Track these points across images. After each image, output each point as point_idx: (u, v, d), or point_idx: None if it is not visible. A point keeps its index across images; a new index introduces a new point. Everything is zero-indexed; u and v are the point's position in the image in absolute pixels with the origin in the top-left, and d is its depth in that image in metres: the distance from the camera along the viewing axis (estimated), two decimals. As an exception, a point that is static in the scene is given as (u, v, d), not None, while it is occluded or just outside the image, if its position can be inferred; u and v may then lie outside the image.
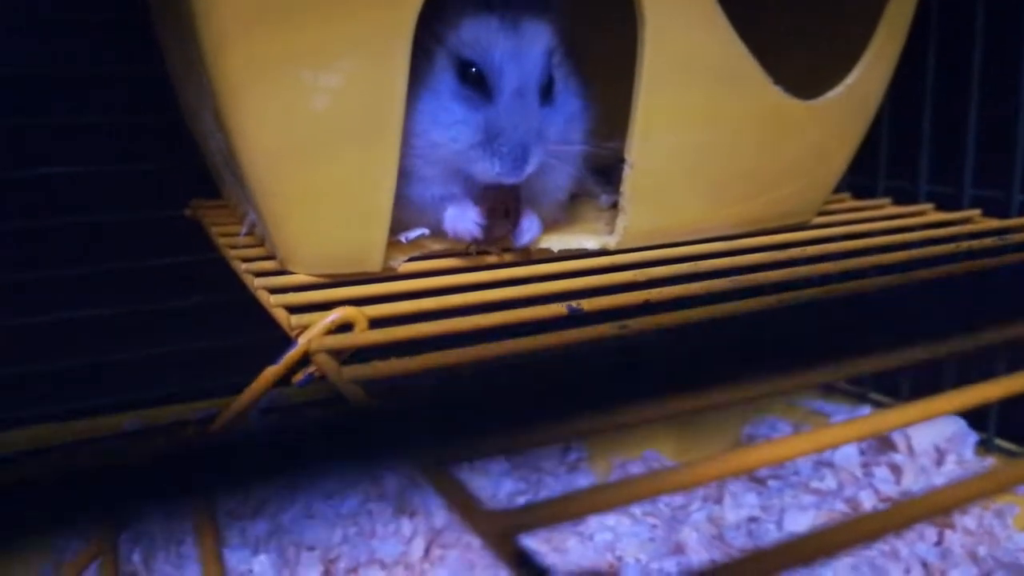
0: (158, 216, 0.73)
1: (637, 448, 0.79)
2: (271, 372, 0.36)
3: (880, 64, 0.56)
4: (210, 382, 0.78)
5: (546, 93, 0.48)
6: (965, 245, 0.51)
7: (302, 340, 0.36)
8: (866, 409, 0.76)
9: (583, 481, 0.75)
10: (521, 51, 0.46)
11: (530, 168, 0.46)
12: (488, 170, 0.46)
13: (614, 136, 0.51)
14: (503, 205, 0.48)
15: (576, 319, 0.41)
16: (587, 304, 0.41)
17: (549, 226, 0.52)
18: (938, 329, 0.31)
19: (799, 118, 0.53)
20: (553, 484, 0.73)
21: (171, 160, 0.73)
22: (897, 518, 0.23)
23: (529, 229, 0.50)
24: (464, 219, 0.48)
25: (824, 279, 0.48)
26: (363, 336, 0.37)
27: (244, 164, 0.43)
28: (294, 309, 0.41)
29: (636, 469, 0.79)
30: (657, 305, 0.43)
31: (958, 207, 0.66)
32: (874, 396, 0.77)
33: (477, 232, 0.48)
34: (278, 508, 0.66)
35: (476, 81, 0.46)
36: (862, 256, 0.49)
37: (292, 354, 0.36)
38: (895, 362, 0.33)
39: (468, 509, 0.23)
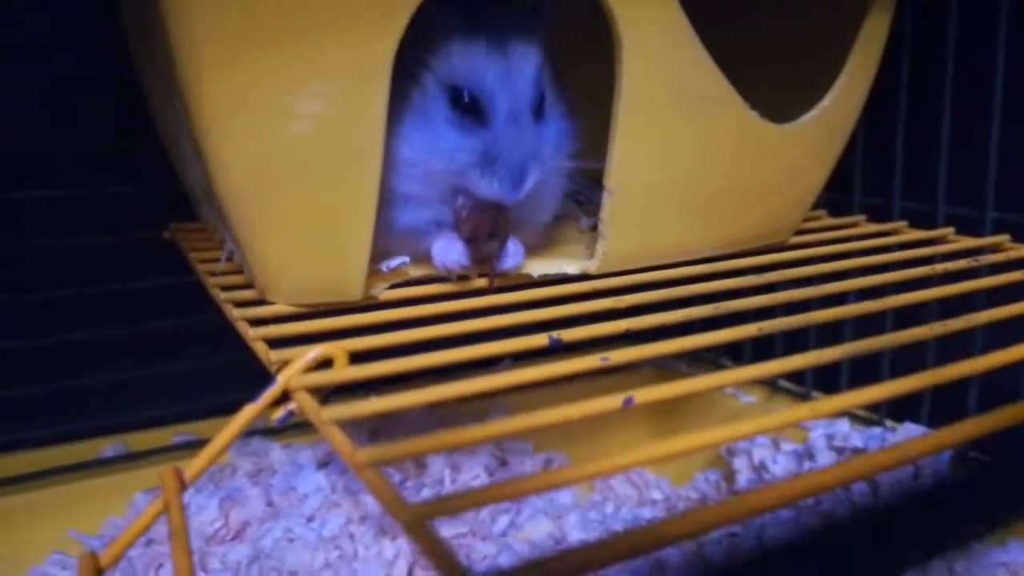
0: (137, 238, 0.72)
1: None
2: (250, 410, 0.36)
3: (855, 86, 0.57)
4: (190, 405, 0.78)
5: (538, 111, 0.48)
6: (940, 268, 0.51)
7: (281, 378, 0.35)
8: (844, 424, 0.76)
9: (564, 496, 0.75)
10: (512, 73, 0.47)
11: (528, 187, 0.47)
12: (487, 190, 0.46)
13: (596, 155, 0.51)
14: (487, 226, 0.48)
15: (558, 349, 0.41)
16: (568, 334, 0.41)
17: (530, 250, 0.52)
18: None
19: (775, 142, 0.53)
20: (536, 501, 0.73)
21: (150, 182, 0.72)
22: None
23: (513, 254, 0.50)
24: (452, 251, 0.49)
25: (803, 303, 0.48)
26: (343, 373, 0.36)
27: (221, 193, 0.43)
28: (274, 342, 0.41)
29: (617, 482, 0.79)
30: (639, 333, 0.43)
31: (932, 224, 0.67)
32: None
33: (466, 262, 0.49)
34: (258, 532, 0.65)
35: (470, 107, 0.47)
36: (839, 280, 0.50)
37: (271, 392, 0.36)
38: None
39: (389, 499, 0.24)
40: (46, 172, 0.72)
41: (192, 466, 0.35)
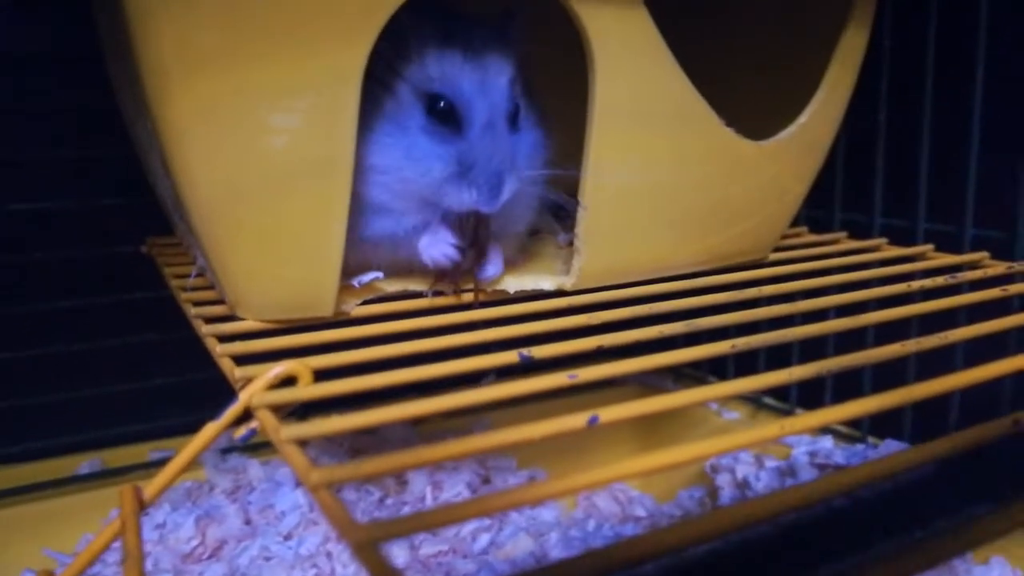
0: (116, 252, 0.71)
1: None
2: (211, 429, 0.35)
3: (832, 102, 0.57)
4: (168, 421, 0.77)
5: (513, 121, 0.48)
6: (917, 285, 0.51)
7: (243, 395, 0.35)
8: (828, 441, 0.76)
9: (546, 513, 0.74)
10: (488, 81, 0.46)
11: (505, 196, 0.46)
12: (464, 200, 0.46)
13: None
14: (470, 234, 0.48)
15: (528, 366, 0.41)
16: (539, 351, 0.41)
17: (506, 263, 0.52)
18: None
19: (751, 159, 0.53)
20: (517, 519, 0.72)
21: (129, 195, 0.72)
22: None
23: (494, 263, 0.50)
24: (439, 243, 0.48)
25: (781, 320, 0.48)
26: (306, 391, 0.36)
27: (190, 208, 0.43)
28: (242, 359, 0.40)
29: (601, 500, 0.78)
30: (616, 350, 0.43)
31: (912, 240, 0.66)
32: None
33: (455, 254, 0.48)
34: (235, 550, 0.65)
35: (445, 114, 0.46)
36: (818, 297, 0.49)
37: (233, 410, 0.35)
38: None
39: (340, 520, 0.24)
40: (25, 185, 0.72)
41: (151, 486, 0.34)
